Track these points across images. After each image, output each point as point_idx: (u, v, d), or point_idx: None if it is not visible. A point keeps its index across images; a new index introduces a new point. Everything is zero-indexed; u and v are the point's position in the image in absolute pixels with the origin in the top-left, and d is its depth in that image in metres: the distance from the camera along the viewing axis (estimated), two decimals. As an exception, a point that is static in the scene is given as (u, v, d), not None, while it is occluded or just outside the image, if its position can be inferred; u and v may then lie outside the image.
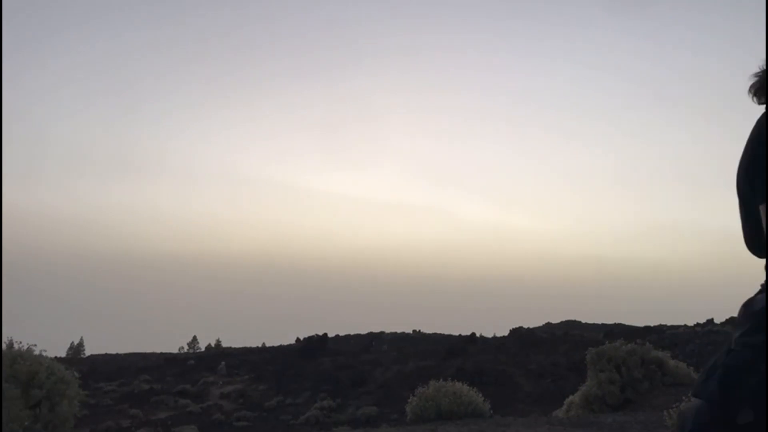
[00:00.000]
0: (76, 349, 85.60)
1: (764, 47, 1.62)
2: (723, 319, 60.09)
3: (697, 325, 61.10)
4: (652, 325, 68.75)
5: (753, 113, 1.55)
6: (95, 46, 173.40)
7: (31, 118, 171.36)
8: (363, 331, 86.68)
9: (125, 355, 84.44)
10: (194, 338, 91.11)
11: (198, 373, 45.59)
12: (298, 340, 70.52)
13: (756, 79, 1.62)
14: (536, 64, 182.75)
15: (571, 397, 12.05)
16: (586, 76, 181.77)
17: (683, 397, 6.54)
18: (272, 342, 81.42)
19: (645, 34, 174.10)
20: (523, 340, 53.27)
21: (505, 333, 70.87)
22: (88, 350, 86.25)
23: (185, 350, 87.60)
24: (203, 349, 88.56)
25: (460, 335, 68.54)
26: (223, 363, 46.26)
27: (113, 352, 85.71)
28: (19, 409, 6.60)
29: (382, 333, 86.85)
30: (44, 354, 7.62)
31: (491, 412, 9.78)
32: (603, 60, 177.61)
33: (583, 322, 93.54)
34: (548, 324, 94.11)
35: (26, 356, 7.18)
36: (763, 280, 1.48)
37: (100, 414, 31.04)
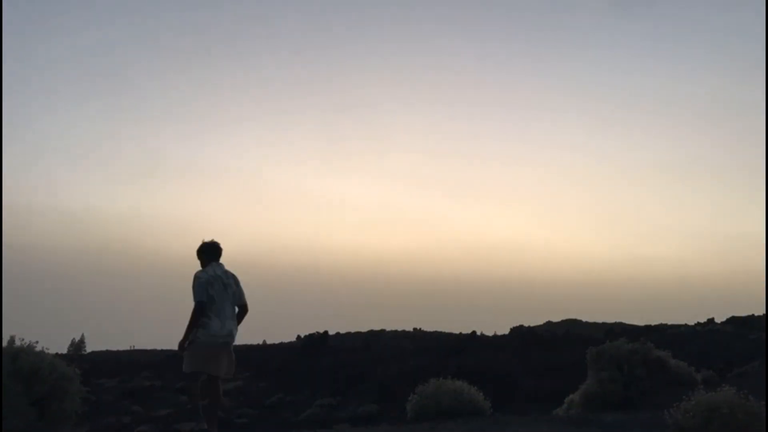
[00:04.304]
0: (77, 345, 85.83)
1: (764, 47, 1.59)
2: (724, 319, 60.13)
3: (698, 324, 61.10)
4: (652, 324, 68.89)
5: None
6: (98, 49, 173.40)
7: (32, 116, 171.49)
8: (363, 329, 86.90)
9: (126, 351, 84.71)
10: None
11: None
12: (298, 337, 70.67)
13: None
14: (539, 63, 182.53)
15: (571, 396, 12.07)
16: (590, 75, 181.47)
17: (684, 397, 6.54)
18: (273, 339, 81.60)
19: (650, 32, 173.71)
20: (524, 339, 53.30)
21: (506, 331, 71.04)
22: (90, 347, 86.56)
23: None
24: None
25: (460, 333, 68.66)
26: None
27: (114, 348, 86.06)
28: (22, 405, 6.63)
29: (382, 331, 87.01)
30: (46, 351, 7.65)
31: (491, 410, 9.79)
32: (606, 60, 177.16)
33: (584, 320, 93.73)
34: (549, 322, 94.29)
35: (28, 353, 7.21)
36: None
37: (101, 410, 31.11)
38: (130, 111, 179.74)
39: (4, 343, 7.37)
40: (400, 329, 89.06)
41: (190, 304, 6.10)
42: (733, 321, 56.95)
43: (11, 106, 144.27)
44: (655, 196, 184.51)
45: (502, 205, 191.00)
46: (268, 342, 79.13)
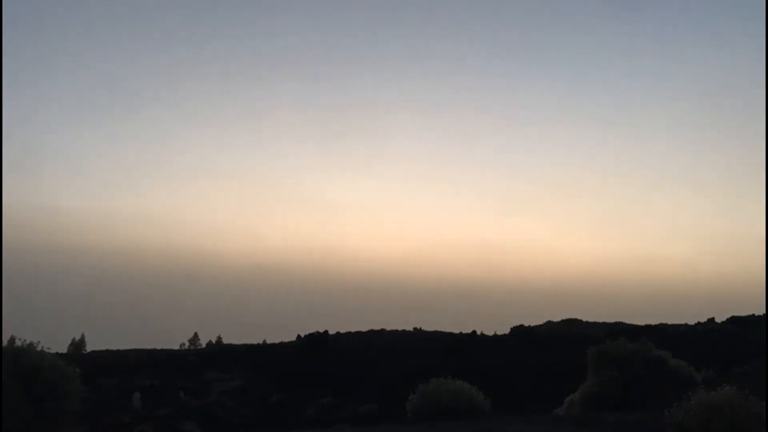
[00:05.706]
0: (78, 345, 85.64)
1: (764, 46, 1.58)
2: (724, 318, 60.07)
3: (698, 324, 61.05)
4: (653, 323, 68.72)
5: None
6: (100, 54, 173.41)
7: (33, 120, 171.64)
8: (363, 329, 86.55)
9: (126, 351, 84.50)
10: (195, 335, 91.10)
11: (199, 370, 45.64)
12: (299, 337, 70.48)
13: None
14: (540, 65, 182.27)
15: (571, 396, 12.06)
16: (587, 77, 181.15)
17: (684, 396, 6.53)
18: (273, 339, 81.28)
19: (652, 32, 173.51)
20: (524, 338, 53.29)
21: (506, 331, 70.85)
22: (90, 346, 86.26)
23: (186, 347, 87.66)
24: (204, 346, 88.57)
25: (461, 333, 68.49)
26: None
27: (114, 348, 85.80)
28: (22, 404, 6.63)
29: (382, 331, 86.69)
30: (46, 350, 7.63)
31: (491, 410, 9.78)
32: (605, 62, 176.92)
33: (584, 320, 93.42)
34: (549, 322, 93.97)
35: (29, 352, 7.20)
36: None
37: (100, 410, 31.07)
38: (131, 115, 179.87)
39: (5, 343, 7.36)
40: (400, 329, 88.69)
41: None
42: (733, 321, 56.92)
43: (11, 105, 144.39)
44: (656, 197, 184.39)
45: (502, 206, 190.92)
46: (268, 342, 78.89)
